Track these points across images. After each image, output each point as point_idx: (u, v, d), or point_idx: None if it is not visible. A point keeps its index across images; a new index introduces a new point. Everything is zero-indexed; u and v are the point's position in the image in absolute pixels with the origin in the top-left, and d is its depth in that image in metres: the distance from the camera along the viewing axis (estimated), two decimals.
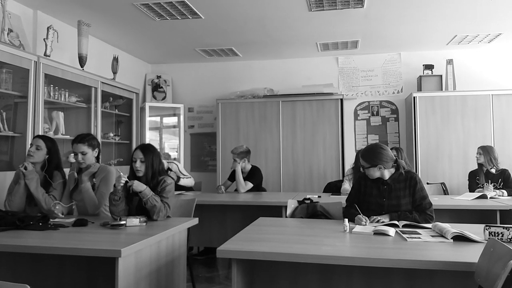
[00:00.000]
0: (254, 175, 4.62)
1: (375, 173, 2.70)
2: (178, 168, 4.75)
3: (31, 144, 2.96)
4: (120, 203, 2.65)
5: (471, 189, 4.32)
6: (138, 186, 2.61)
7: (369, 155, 2.71)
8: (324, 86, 5.75)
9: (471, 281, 1.72)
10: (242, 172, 4.62)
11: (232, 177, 4.70)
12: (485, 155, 4.27)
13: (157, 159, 2.78)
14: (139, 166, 2.72)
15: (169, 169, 4.62)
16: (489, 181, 4.24)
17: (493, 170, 4.26)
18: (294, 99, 5.71)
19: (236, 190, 4.60)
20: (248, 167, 4.65)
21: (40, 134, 3.52)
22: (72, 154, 2.97)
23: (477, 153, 4.38)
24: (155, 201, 2.63)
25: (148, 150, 2.78)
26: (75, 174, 2.95)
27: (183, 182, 4.65)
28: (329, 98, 5.62)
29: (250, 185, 4.52)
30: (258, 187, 4.63)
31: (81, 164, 2.91)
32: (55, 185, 2.95)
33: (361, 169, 2.80)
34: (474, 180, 4.35)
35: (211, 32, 4.95)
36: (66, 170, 3.17)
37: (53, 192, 2.92)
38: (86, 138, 2.96)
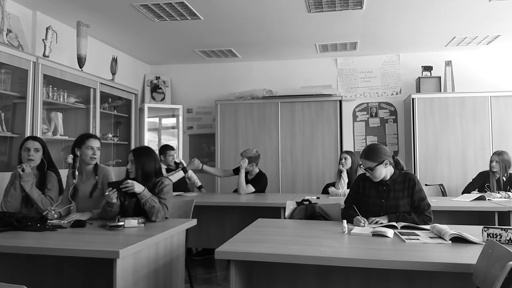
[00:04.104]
0: (260, 180, 4.57)
1: (382, 171, 2.64)
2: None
3: (28, 148, 2.90)
4: (115, 212, 2.72)
5: (468, 190, 4.27)
6: (136, 187, 2.61)
7: (373, 153, 2.65)
8: (323, 87, 5.75)
9: (469, 283, 1.72)
10: (249, 175, 4.59)
11: (237, 172, 4.66)
12: (501, 163, 4.13)
13: (149, 162, 2.78)
14: (130, 167, 2.78)
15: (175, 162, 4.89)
16: (502, 188, 4.15)
17: (503, 178, 4.19)
18: (293, 100, 5.71)
19: (235, 190, 4.59)
20: (256, 171, 4.61)
21: (32, 135, 3.51)
22: (71, 155, 2.96)
23: (493, 161, 4.19)
24: (154, 202, 2.63)
25: (139, 152, 2.81)
26: (76, 172, 2.94)
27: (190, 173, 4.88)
28: (328, 99, 5.63)
29: (251, 189, 4.47)
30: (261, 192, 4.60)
31: (93, 160, 2.96)
32: (50, 185, 2.94)
33: (367, 173, 2.70)
34: (480, 184, 4.26)
35: (210, 33, 4.95)
36: (62, 171, 3.16)
37: (49, 193, 2.91)
38: (97, 136, 3.09)
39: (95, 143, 2.95)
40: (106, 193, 2.61)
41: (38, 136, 3.57)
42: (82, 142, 2.93)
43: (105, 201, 2.72)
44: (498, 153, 4.22)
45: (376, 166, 2.63)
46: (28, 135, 3.57)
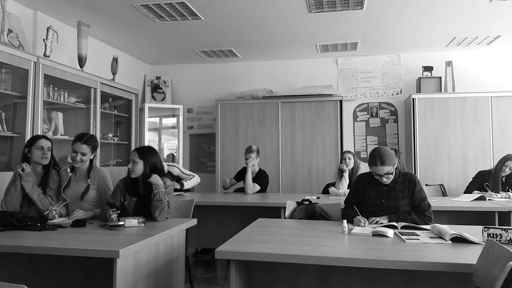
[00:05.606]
0: (263, 177, 4.58)
1: (393, 172, 2.67)
2: (180, 171, 4.68)
3: (42, 147, 2.90)
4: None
5: (469, 190, 4.25)
6: (155, 179, 2.66)
7: (389, 157, 2.62)
8: (323, 87, 5.75)
9: (469, 283, 1.72)
10: (251, 173, 4.58)
11: (239, 177, 4.65)
12: None
13: (154, 161, 2.79)
14: (131, 167, 2.76)
15: (170, 173, 4.52)
16: (507, 188, 4.11)
17: (503, 179, 4.15)
18: (294, 100, 5.71)
19: (235, 190, 4.57)
20: (257, 168, 4.62)
21: (39, 134, 3.52)
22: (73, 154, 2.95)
23: (507, 166, 4.06)
24: (164, 198, 2.65)
25: (144, 152, 2.80)
26: (68, 170, 2.93)
27: (188, 184, 4.57)
28: (328, 99, 5.63)
29: (257, 187, 4.48)
30: (264, 191, 4.60)
31: (77, 163, 2.89)
32: (52, 184, 2.94)
33: (383, 178, 2.64)
34: (480, 183, 4.24)
35: (211, 33, 4.95)
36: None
37: (50, 192, 2.91)
38: (90, 140, 2.92)
39: (81, 148, 2.86)
40: (108, 216, 2.47)
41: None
42: (72, 143, 2.92)
43: (105, 204, 2.71)
44: None
45: (392, 168, 2.63)
46: (29, 134, 3.58)
